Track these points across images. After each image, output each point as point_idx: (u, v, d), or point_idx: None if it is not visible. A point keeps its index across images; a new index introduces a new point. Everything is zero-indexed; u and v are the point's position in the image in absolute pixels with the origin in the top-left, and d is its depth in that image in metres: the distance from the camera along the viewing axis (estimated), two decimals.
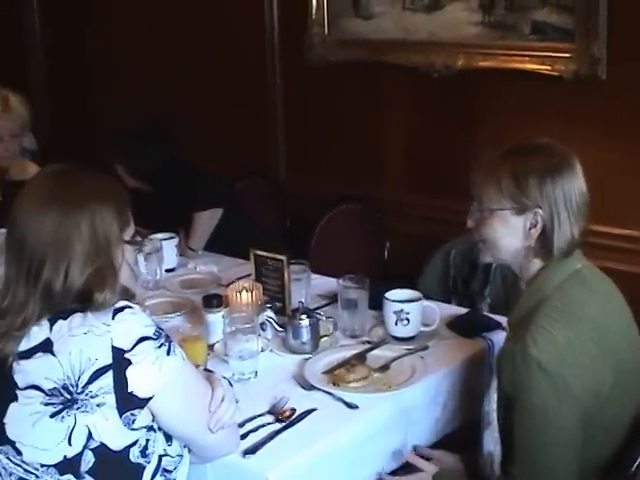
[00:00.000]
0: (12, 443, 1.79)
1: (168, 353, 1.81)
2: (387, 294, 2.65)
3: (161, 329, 1.84)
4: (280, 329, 2.64)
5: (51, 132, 5.55)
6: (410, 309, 2.61)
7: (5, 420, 1.79)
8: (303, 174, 4.64)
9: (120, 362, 1.75)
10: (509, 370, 2.06)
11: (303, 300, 2.76)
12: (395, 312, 2.61)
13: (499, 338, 2.61)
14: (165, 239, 3.38)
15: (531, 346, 1.99)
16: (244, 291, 2.72)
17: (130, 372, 1.75)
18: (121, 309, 1.80)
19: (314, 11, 4.34)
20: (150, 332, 1.80)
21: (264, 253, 2.91)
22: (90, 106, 5.58)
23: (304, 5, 4.34)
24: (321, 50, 4.37)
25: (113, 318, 1.77)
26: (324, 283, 3.11)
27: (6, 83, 3.80)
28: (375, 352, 2.57)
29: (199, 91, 4.89)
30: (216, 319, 2.62)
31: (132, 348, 1.76)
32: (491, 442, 2.24)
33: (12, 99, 3.71)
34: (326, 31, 4.35)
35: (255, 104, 4.68)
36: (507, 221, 2.14)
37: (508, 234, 2.16)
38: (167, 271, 3.35)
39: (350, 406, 2.26)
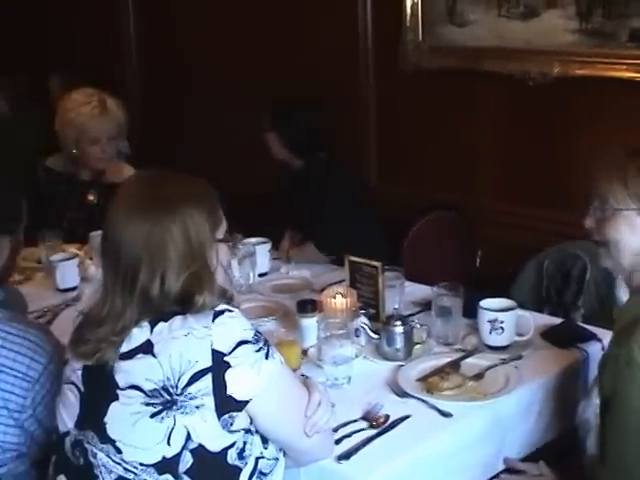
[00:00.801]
0: (113, 442, 1.82)
1: (267, 357, 1.83)
2: (482, 302, 2.63)
3: (260, 333, 1.86)
4: (374, 335, 2.64)
5: (144, 137, 5.65)
6: (505, 318, 2.59)
7: (106, 419, 1.82)
8: (394, 180, 4.64)
9: (219, 365, 1.77)
10: (611, 373, 2.03)
11: (397, 307, 2.77)
12: (489, 321, 2.59)
13: (594, 349, 2.58)
14: (258, 243, 3.41)
15: (636, 351, 1.96)
16: (339, 297, 2.73)
17: (229, 375, 1.77)
18: (221, 312, 1.82)
19: (408, 18, 4.34)
20: (249, 336, 1.82)
21: (359, 259, 2.91)
22: (183, 111, 5.65)
23: (398, 12, 4.34)
24: (415, 57, 4.36)
25: (213, 321, 1.79)
26: (417, 290, 3.09)
27: (103, 87, 3.88)
28: (469, 360, 2.55)
29: (293, 94, 4.91)
30: (310, 324, 2.63)
31: (231, 351, 1.78)
32: (594, 446, 2.20)
33: (109, 102, 3.78)
34: (420, 38, 4.34)
35: (347, 109, 4.69)
36: (632, 222, 2.09)
37: (632, 235, 2.11)
38: (260, 275, 3.38)
39: (444, 414, 2.25)
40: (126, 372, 1.80)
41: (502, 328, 2.58)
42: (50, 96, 5.15)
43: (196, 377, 1.76)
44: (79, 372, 1.89)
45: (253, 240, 3.41)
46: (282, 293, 3.25)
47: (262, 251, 3.40)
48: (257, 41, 5.08)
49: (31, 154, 4.68)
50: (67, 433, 1.91)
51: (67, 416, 1.91)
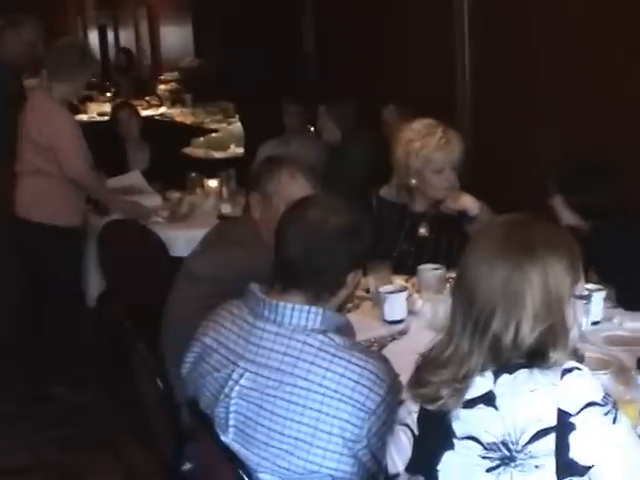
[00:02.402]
0: None
1: (614, 421, 1.71)
2: None
3: (609, 395, 1.74)
4: None
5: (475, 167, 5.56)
6: None
7: (439, 467, 1.78)
8: None
9: (564, 426, 1.67)
10: None
11: None
12: None
13: None
14: (595, 290, 3.24)
15: None
16: None
17: (573, 437, 1.67)
18: (570, 370, 1.72)
19: None
20: (598, 397, 1.71)
21: None
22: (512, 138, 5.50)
23: None
24: None
25: (561, 379, 1.70)
26: None
27: (436, 117, 3.87)
28: None
29: None
30: None
31: (578, 412, 1.68)
32: None
33: (451, 132, 3.77)
34: None
35: None
36: None
37: None
38: (592, 324, 3.21)
39: None
40: (465, 422, 1.74)
41: None
42: (384, 126, 5.23)
43: (538, 436, 1.67)
44: (415, 415, 1.85)
45: (590, 286, 3.24)
46: (616, 345, 3.06)
47: (597, 298, 3.23)
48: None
49: (362, 183, 4.78)
50: (397, 475, 1.89)
51: (398, 458, 1.88)
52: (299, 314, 2.22)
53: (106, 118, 7.86)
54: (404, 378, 2.04)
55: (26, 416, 4.86)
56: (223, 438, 2.26)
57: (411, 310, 3.27)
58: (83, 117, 10.02)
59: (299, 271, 2.26)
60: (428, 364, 1.85)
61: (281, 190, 3.11)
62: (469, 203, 3.65)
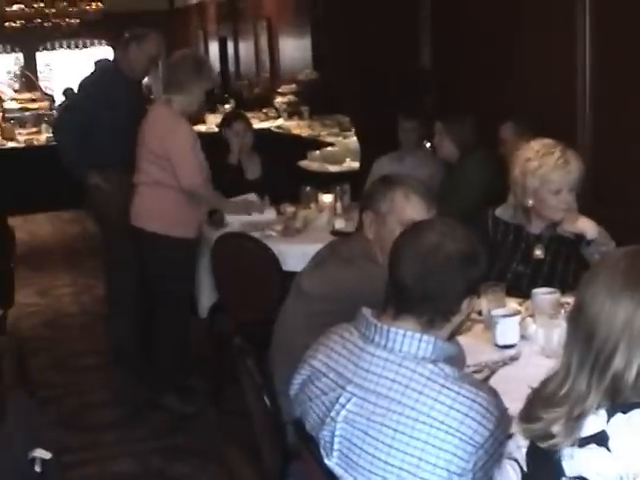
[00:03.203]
0: None
1: None
2: None
3: None
4: None
5: (594, 189, 5.42)
6: None
7: None
8: None
9: None
10: None
11: None
12: None
13: None
14: None
15: None
16: None
17: None
18: None
19: None
20: None
21: None
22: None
23: None
24: None
25: None
26: None
27: (560, 138, 3.79)
28: None
29: None
30: None
31: None
32: None
33: (569, 153, 3.68)
34: None
35: None
36: None
37: None
38: None
39: None
40: (576, 461, 1.68)
41: None
42: (502, 144, 5.14)
43: None
44: (524, 450, 1.79)
45: None
46: None
47: None
48: None
49: (479, 202, 4.70)
50: None
51: None
52: (410, 341, 2.19)
53: None
54: (514, 406, 1.99)
55: (134, 424, 4.95)
56: (327, 461, 2.25)
57: (524, 335, 3.20)
58: (201, 128, 10.18)
59: (413, 296, 2.23)
60: (541, 399, 1.78)
61: (395, 210, 3.08)
62: (587, 226, 3.56)
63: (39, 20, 14.42)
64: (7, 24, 14.63)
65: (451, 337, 2.33)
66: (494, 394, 2.19)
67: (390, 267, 2.31)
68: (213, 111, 11.72)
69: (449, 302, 2.26)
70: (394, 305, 2.27)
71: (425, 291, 2.22)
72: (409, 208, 3.06)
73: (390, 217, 3.08)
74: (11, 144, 10.98)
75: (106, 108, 5.46)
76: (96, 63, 6.83)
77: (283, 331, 3.19)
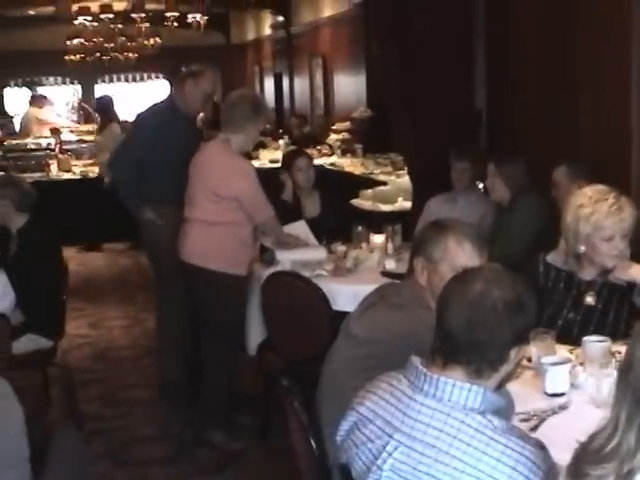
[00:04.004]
0: None
1: None
2: None
3: None
4: None
5: None
6: None
7: None
8: None
9: None
10: None
11: None
12: None
13: None
14: None
15: None
16: None
17: None
18: None
19: None
20: None
21: None
22: None
23: None
24: None
25: None
26: None
27: (612, 182, 3.77)
28: None
29: None
30: None
31: None
32: None
33: (623, 200, 3.66)
34: None
35: None
36: None
37: None
38: None
39: None
40: None
41: None
42: (555, 187, 5.10)
43: None
44: None
45: None
46: None
47: None
48: None
49: (530, 246, 4.68)
50: None
51: None
52: (459, 392, 2.19)
53: (277, 165, 7.97)
54: (561, 456, 1.97)
55: (181, 460, 4.96)
56: None
57: (573, 383, 3.17)
58: (255, 163, 10.23)
59: (460, 345, 2.23)
60: (588, 455, 1.77)
61: (448, 257, 3.07)
62: (639, 274, 3.53)
63: (98, 54, 14.66)
64: (67, 57, 14.88)
65: (500, 386, 2.32)
66: (541, 447, 2.17)
67: (438, 315, 2.31)
68: (265, 147, 11.81)
69: (496, 351, 2.25)
70: (442, 354, 2.27)
71: (472, 340, 2.22)
72: (461, 255, 3.06)
73: (442, 264, 3.07)
74: (66, 176, 11.12)
75: (161, 143, 5.53)
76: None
77: (330, 373, 3.18)
